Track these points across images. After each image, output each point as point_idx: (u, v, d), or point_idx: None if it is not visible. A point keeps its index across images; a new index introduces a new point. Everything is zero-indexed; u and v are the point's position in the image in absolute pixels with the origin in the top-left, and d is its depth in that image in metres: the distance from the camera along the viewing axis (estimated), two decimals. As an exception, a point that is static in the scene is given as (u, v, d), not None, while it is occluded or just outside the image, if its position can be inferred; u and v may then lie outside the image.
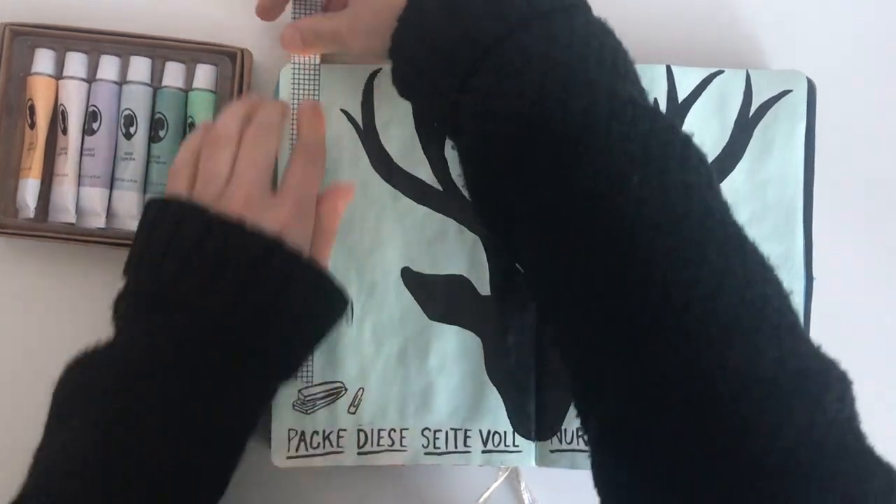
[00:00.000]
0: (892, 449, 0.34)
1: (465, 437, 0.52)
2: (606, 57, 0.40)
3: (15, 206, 0.53)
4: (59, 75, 0.54)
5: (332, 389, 0.53)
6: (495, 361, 0.53)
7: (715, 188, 0.38)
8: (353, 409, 0.52)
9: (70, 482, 0.39)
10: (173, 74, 0.54)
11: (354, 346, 0.53)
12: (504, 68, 0.40)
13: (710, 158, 0.39)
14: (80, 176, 0.53)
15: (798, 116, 0.54)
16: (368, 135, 0.54)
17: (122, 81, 0.54)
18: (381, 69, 0.53)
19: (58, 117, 0.53)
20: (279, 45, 0.53)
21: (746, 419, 0.33)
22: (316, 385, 0.52)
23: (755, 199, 0.53)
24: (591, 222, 0.37)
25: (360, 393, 0.52)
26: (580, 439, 0.52)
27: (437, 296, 0.53)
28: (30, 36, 0.53)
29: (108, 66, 0.54)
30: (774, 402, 0.33)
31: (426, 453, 0.52)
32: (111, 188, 0.53)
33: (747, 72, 0.54)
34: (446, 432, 0.52)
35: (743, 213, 0.38)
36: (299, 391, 0.52)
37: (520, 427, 0.52)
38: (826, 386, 0.34)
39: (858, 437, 0.34)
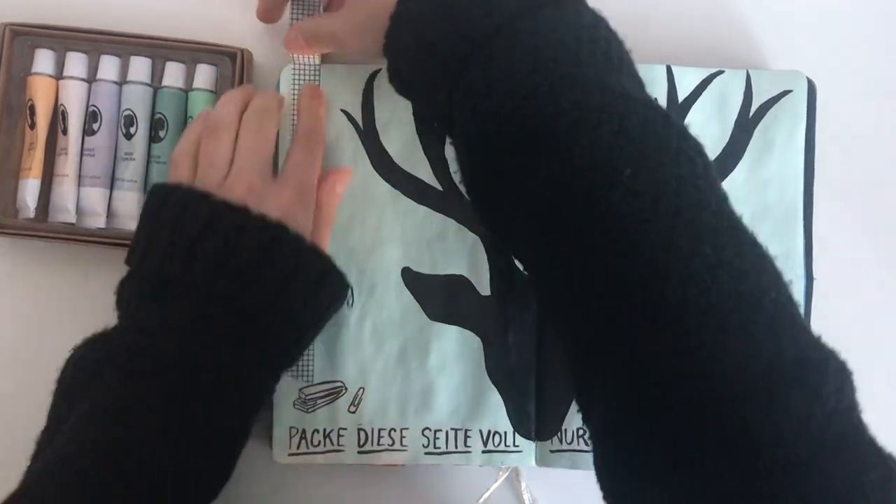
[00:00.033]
0: (892, 450, 0.34)
1: (466, 436, 0.52)
2: (598, 49, 0.40)
3: (15, 206, 0.53)
4: (59, 75, 0.54)
5: (332, 389, 0.53)
6: (495, 361, 0.53)
7: (710, 178, 0.38)
8: (353, 409, 0.52)
9: (70, 479, 0.40)
10: (173, 74, 0.54)
11: (355, 346, 0.53)
12: (493, 65, 0.39)
13: (711, 159, 0.39)
14: (80, 176, 0.53)
15: (798, 117, 0.54)
16: (368, 135, 0.54)
17: (122, 81, 0.54)
18: (381, 69, 0.54)
19: (58, 117, 0.53)
20: (279, 45, 0.53)
21: (744, 414, 0.33)
22: (316, 384, 0.53)
23: (755, 199, 0.53)
24: (585, 219, 0.37)
25: (360, 392, 0.52)
26: (580, 439, 0.52)
27: (438, 296, 0.53)
28: (30, 36, 0.53)
29: (108, 66, 0.54)
30: (771, 395, 0.33)
31: (426, 453, 0.52)
32: (111, 188, 0.53)
33: (747, 72, 0.54)
34: (446, 432, 0.52)
35: (743, 213, 0.38)
36: (300, 390, 0.52)
37: (520, 427, 0.52)
38: (824, 377, 0.33)
39: (858, 428, 0.34)
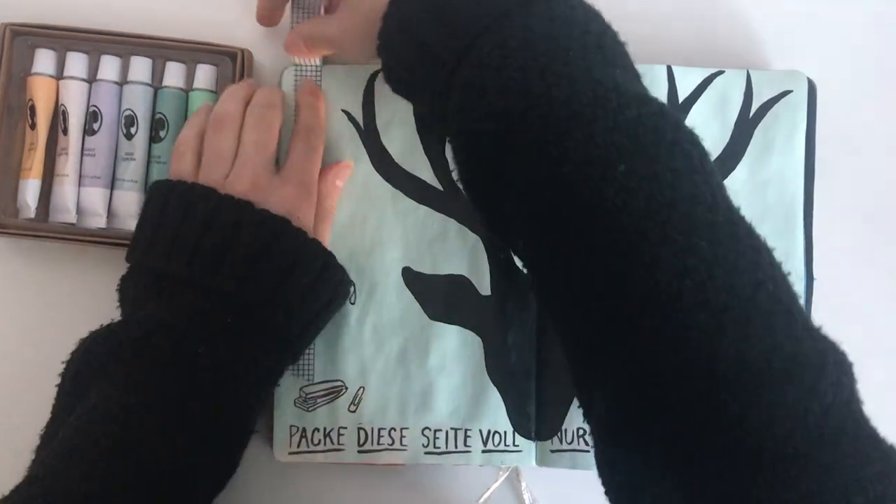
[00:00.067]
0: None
1: (466, 436, 0.52)
2: (591, 43, 0.39)
3: (15, 206, 0.53)
4: (59, 75, 0.54)
5: (332, 388, 0.53)
6: (496, 361, 0.53)
7: (706, 170, 0.37)
8: (353, 408, 0.52)
9: (77, 470, 0.40)
10: (174, 74, 0.54)
11: (355, 346, 0.53)
12: (484, 64, 0.39)
13: (711, 159, 0.39)
14: (80, 176, 0.53)
15: (798, 117, 0.54)
16: (369, 135, 0.54)
17: (122, 82, 0.54)
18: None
19: (58, 118, 0.53)
20: (279, 45, 0.53)
21: (740, 412, 0.32)
22: (317, 383, 0.53)
23: (755, 199, 0.53)
24: (581, 216, 0.37)
25: (360, 392, 0.53)
26: (580, 439, 0.52)
27: (438, 296, 0.53)
28: (30, 36, 0.53)
29: (109, 67, 0.54)
30: (767, 391, 0.32)
31: (426, 453, 0.52)
32: (112, 188, 0.53)
33: (748, 72, 0.54)
34: (446, 432, 0.52)
35: (743, 213, 0.38)
36: (301, 389, 0.52)
37: (520, 427, 0.52)
38: (822, 370, 0.33)
39: (858, 421, 0.34)
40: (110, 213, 0.53)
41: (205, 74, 0.54)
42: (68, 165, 0.53)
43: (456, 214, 0.53)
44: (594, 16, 0.41)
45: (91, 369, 0.44)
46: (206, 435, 0.43)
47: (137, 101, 0.53)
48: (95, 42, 0.54)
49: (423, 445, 0.52)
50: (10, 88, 0.53)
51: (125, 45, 0.54)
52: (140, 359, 0.43)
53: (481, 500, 0.54)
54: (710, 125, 0.54)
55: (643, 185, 0.35)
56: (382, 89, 0.54)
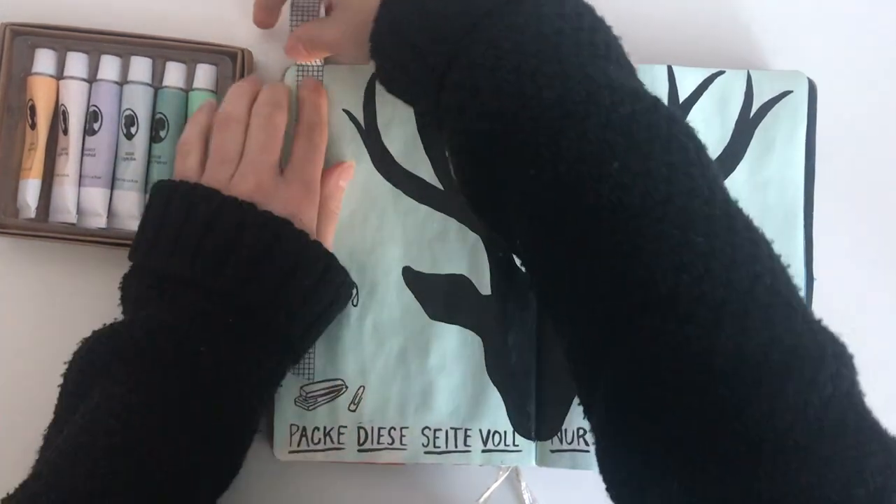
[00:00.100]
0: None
1: (466, 436, 0.52)
2: (583, 39, 0.39)
3: (16, 206, 0.53)
4: (59, 75, 0.54)
5: (332, 387, 0.53)
6: (496, 361, 0.53)
7: (703, 163, 0.37)
8: (353, 407, 0.53)
9: (81, 469, 0.40)
10: (174, 74, 0.54)
11: (355, 345, 0.53)
12: (477, 64, 0.39)
13: (708, 151, 0.38)
14: (80, 176, 0.53)
15: (799, 117, 0.54)
16: (370, 134, 0.54)
17: (122, 81, 0.54)
18: (382, 69, 0.54)
19: (58, 117, 0.53)
20: (280, 45, 0.53)
21: (739, 405, 0.32)
22: (317, 382, 0.53)
23: (756, 199, 0.53)
24: (577, 216, 0.37)
25: (360, 391, 0.53)
26: (580, 439, 0.52)
27: (438, 295, 0.53)
28: (30, 36, 0.53)
29: (109, 67, 0.54)
30: (766, 384, 0.32)
31: (426, 452, 0.52)
32: (112, 188, 0.53)
33: (748, 72, 0.54)
34: (446, 431, 0.52)
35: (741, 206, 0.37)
36: (301, 388, 0.53)
37: (520, 427, 0.52)
38: (821, 362, 0.33)
39: (859, 413, 0.34)
40: (110, 213, 0.53)
41: (205, 74, 0.54)
42: (68, 165, 0.53)
43: (456, 214, 0.53)
44: (586, 11, 0.40)
45: (94, 369, 0.44)
46: (209, 435, 0.44)
47: (137, 100, 0.53)
48: (95, 42, 0.54)
49: (422, 445, 0.52)
50: (10, 88, 0.53)
51: (125, 45, 0.54)
52: (142, 358, 0.43)
53: (481, 500, 0.54)
54: (710, 125, 0.54)
55: (638, 181, 0.35)
56: (383, 89, 0.53)
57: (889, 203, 0.57)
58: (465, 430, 0.52)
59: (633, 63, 0.41)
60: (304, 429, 0.52)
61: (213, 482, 0.45)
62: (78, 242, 0.53)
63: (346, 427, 0.52)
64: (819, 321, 0.35)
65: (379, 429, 0.52)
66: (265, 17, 0.53)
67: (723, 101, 0.54)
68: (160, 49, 0.54)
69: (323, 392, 0.53)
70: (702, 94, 0.54)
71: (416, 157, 0.54)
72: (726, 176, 0.53)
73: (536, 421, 0.53)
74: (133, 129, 0.53)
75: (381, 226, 0.53)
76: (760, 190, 0.53)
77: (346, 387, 0.53)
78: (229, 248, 0.45)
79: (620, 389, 0.36)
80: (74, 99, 0.53)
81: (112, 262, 0.51)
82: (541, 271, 0.41)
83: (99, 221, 0.53)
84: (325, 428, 0.52)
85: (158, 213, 0.47)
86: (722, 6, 0.57)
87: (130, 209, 0.53)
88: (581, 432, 0.53)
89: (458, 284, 0.53)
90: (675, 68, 0.54)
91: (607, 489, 0.38)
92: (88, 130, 0.53)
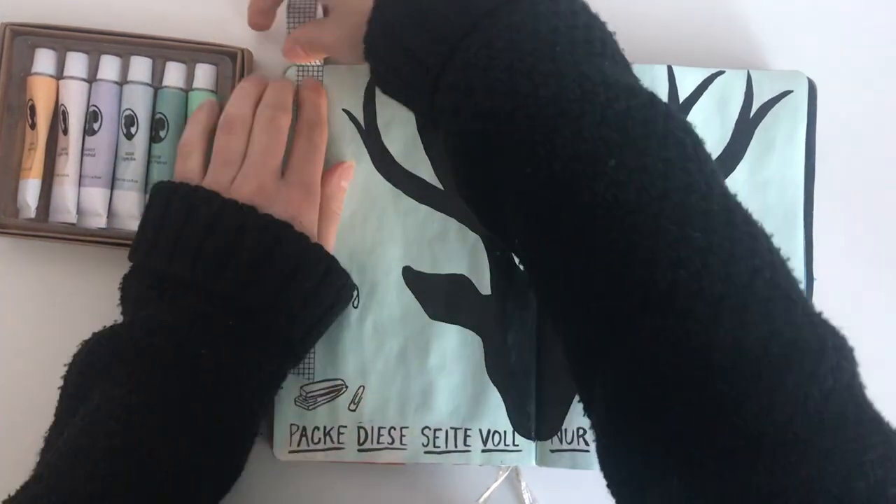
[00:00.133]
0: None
1: (465, 436, 0.52)
2: (578, 37, 0.39)
3: (16, 206, 0.53)
4: (59, 75, 0.54)
5: (332, 387, 0.53)
6: (496, 361, 0.53)
7: (700, 158, 0.37)
8: (353, 407, 0.53)
9: (82, 471, 0.40)
10: (174, 74, 0.54)
11: (355, 345, 0.53)
12: (471, 65, 0.38)
13: (706, 145, 0.38)
14: (80, 176, 0.53)
15: (799, 117, 0.54)
16: (370, 134, 0.54)
17: (122, 81, 0.54)
18: (382, 69, 0.53)
19: (58, 117, 0.53)
20: (279, 45, 0.53)
21: (737, 399, 0.32)
22: (317, 382, 0.53)
23: (756, 199, 0.53)
24: (574, 214, 0.37)
25: (360, 391, 0.53)
26: (580, 439, 0.52)
27: (438, 295, 0.53)
28: (30, 36, 0.53)
29: (109, 66, 0.54)
30: (765, 377, 0.32)
31: (426, 452, 0.52)
32: (112, 188, 0.53)
33: (748, 72, 0.54)
34: (446, 431, 0.52)
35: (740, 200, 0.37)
36: (301, 387, 0.53)
37: (520, 427, 0.52)
38: (821, 355, 0.33)
39: (860, 406, 0.34)
40: (110, 213, 0.53)
41: (205, 74, 0.54)
42: (68, 165, 0.53)
43: (456, 214, 0.53)
44: (581, 9, 0.40)
45: (94, 370, 0.44)
46: (209, 437, 0.44)
47: (137, 100, 0.53)
48: (95, 42, 0.53)
49: (422, 445, 0.52)
50: (10, 88, 0.53)
51: (125, 45, 0.54)
52: (142, 359, 0.43)
53: (481, 499, 0.54)
54: (710, 125, 0.54)
55: (634, 177, 0.35)
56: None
57: (885, 202, 0.57)
58: (465, 429, 0.52)
59: (632, 63, 0.41)
60: (304, 428, 0.52)
61: (213, 484, 0.45)
62: (78, 242, 0.53)
63: (346, 427, 0.52)
64: (819, 314, 0.35)
65: (379, 428, 0.52)
66: (260, 20, 0.53)
67: (723, 100, 0.54)
68: (160, 49, 0.54)
69: (323, 392, 0.53)
70: (702, 94, 0.54)
71: (416, 157, 0.54)
72: (726, 176, 0.53)
73: (536, 421, 0.53)
74: (133, 129, 0.53)
75: (381, 226, 0.53)
76: (760, 190, 0.53)
77: (346, 386, 0.53)
78: (230, 251, 0.45)
79: (620, 389, 0.36)
80: (74, 99, 0.53)
81: (112, 263, 0.51)
82: (538, 270, 0.41)
83: (99, 221, 0.53)
84: (325, 428, 0.52)
85: (158, 214, 0.47)
86: (722, 6, 0.57)
87: (130, 209, 0.53)
88: (581, 432, 0.53)
89: (458, 284, 0.53)
90: (675, 68, 0.54)
91: (608, 486, 0.38)
92: (88, 130, 0.53)
